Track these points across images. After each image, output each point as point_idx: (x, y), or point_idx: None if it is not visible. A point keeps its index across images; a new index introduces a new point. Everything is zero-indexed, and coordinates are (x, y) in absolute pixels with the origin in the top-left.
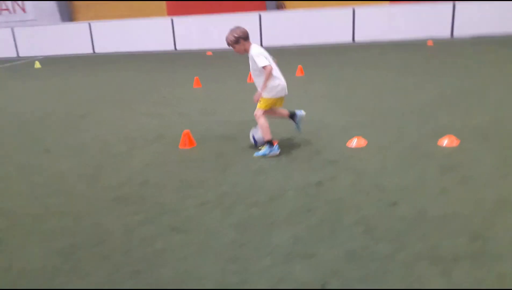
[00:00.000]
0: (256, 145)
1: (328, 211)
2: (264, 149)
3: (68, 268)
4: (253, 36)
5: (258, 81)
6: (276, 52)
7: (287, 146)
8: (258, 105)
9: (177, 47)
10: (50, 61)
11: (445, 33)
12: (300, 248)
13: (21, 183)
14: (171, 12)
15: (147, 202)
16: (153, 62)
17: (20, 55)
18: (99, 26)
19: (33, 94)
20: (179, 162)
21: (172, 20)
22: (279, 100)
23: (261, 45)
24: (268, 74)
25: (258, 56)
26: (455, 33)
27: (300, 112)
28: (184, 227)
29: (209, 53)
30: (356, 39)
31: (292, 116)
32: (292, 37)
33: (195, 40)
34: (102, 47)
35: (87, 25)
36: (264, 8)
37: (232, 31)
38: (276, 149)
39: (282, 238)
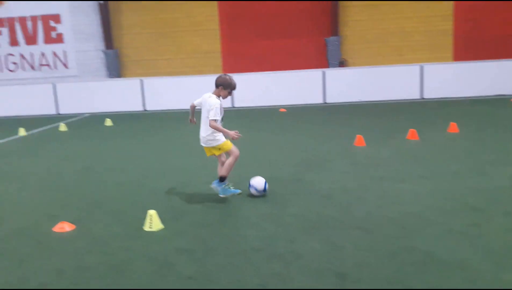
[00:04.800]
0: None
1: None
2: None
3: None
4: (317, 92)
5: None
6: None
7: None
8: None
9: (235, 104)
10: (116, 118)
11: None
12: None
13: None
14: (227, 70)
15: None
16: (240, 118)
17: (61, 112)
18: (151, 83)
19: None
20: None
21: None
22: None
23: (325, 101)
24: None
25: None
26: None
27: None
28: None
29: (283, 110)
30: (425, 95)
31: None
32: (356, 93)
33: (255, 98)
34: (153, 105)
35: (138, 81)
36: (327, 65)
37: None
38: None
39: None
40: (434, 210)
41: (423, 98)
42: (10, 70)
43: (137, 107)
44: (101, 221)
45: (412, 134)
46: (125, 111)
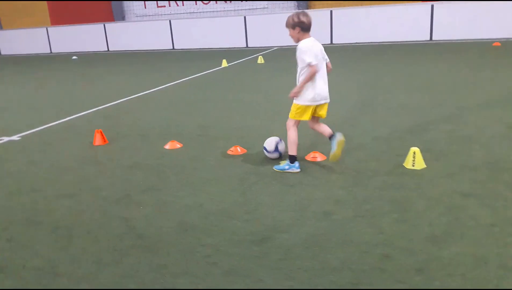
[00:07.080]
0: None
1: None
2: (284, 164)
3: None
4: None
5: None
6: None
7: None
8: (290, 114)
9: (434, 37)
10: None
11: None
12: None
13: None
14: None
15: None
16: (443, 53)
17: (249, 45)
18: (340, 14)
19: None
20: None
21: (432, 6)
22: (313, 109)
23: None
24: (311, 74)
25: (306, 52)
26: None
27: (339, 135)
28: None
29: (497, 43)
30: None
31: (331, 137)
32: None
33: (461, 29)
34: (341, 38)
35: (327, 12)
36: None
37: (296, 14)
38: (296, 167)
39: None
40: None
41: None
42: (204, 2)
43: (324, 40)
44: (353, 155)
45: None
46: None
